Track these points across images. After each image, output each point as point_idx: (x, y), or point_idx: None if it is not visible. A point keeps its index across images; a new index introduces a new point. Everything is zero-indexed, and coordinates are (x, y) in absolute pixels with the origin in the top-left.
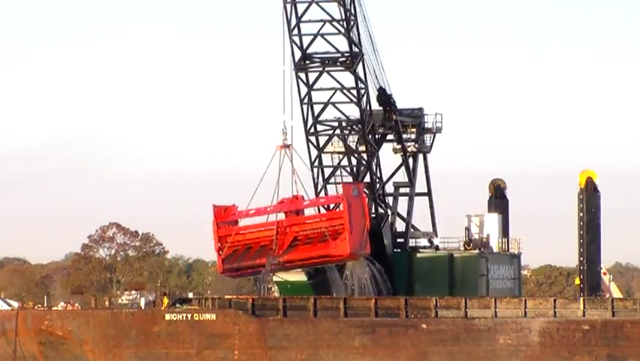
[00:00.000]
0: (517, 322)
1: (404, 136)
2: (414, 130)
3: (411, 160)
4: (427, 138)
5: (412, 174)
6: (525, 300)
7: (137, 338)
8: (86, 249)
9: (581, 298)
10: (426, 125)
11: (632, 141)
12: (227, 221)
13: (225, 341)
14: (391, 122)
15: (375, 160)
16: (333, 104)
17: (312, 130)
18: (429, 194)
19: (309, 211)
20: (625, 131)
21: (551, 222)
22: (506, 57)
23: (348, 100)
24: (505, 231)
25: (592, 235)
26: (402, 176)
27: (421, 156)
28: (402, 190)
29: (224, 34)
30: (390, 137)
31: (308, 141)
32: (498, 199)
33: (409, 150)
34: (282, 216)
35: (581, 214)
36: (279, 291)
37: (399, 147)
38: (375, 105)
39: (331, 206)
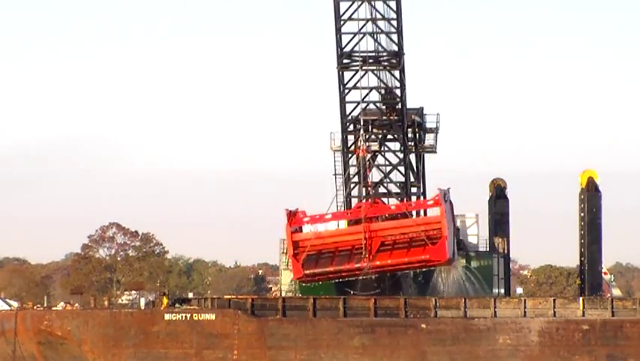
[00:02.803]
0: (517, 322)
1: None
2: (415, 130)
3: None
4: (428, 137)
5: (420, 174)
6: (525, 300)
7: (136, 337)
8: (86, 249)
9: (581, 298)
10: (425, 125)
11: (633, 141)
12: (297, 226)
13: (225, 340)
14: (394, 122)
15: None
16: (373, 103)
17: (350, 128)
18: (424, 194)
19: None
20: (626, 132)
21: (552, 222)
22: (506, 57)
23: (383, 99)
24: (505, 231)
25: (593, 235)
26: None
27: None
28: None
29: (223, 35)
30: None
31: (345, 139)
32: (498, 199)
33: (414, 150)
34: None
35: (582, 214)
36: (299, 291)
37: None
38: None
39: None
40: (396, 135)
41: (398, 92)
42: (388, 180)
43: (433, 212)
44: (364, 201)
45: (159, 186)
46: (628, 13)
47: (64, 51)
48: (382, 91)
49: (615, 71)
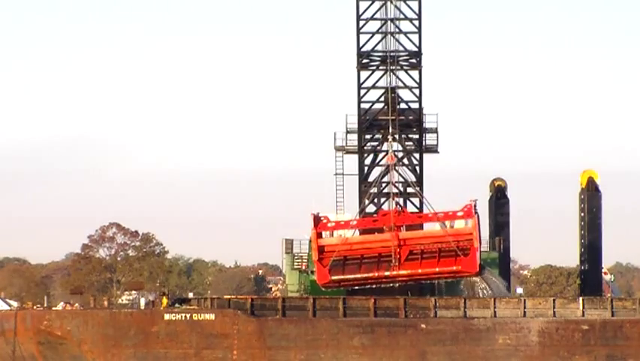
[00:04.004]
0: (517, 322)
1: (374, 136)
2: (415, 130)
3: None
4: (430, 137)
5: (420, 175)
6: (524, 300)
7: (135, 337)
8: (86, 249)
9: (580, 298)
10: (425, 125)
11: (633, 141)
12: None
13: (224, 340)
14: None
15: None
16: (392, 103)
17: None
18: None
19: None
20: (626, 131)
21: (552, 222)
22: (506, 57)
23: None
24: (505, 231)
25: (593, 235)
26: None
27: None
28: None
29: (223, 35)
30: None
31: (361, 139)
32: (498, 199)
33: (414, 149)
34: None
35: (582, 214)
36: (309, 290)
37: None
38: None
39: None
40: (407, 135)
41: (416, 92)
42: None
43: (459, 222)
44: (390, 208)
45: (159, 186)
46: (628, 13)
47: (65, 51)
48: (397, 91)
49: (615, 71)
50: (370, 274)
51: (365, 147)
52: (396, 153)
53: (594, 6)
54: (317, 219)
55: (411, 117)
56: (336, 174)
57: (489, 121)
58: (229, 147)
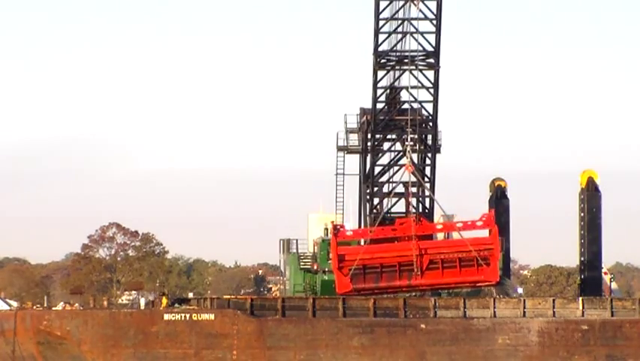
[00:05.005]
0: (516, 322)
1: (389, 136)
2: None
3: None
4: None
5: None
6: (524, 300)
7: (135, 338)
8: (86, 249)
9: (580, 298)
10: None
11: (633, 141)
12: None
13: (224, 341)
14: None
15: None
16: (408, 102)
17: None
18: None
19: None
20: (626, 131)
21: (551, 222)
22: (506, 57)
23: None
24: (505, 231)
25: (593, 235)
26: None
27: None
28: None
29: (221, 34)
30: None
31: (374, 138)
32: (498, 199)
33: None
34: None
35: (582, 214)
36: (319, 290)
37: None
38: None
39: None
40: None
41: (433, 91)
42: (393, 182)
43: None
44: (408, 217)
45: (159, 186)
46: (628, 13)
47: (64, 51)
48: (409, 90)
49: (615, 71)
50: (393, 284)
51: (378, 147)
52: (411, 158)
53: (594, 6)
54: (336, 228)
55: (419, 118)
56: (337, 173)
57: (489, 121)
58: (229, 147)
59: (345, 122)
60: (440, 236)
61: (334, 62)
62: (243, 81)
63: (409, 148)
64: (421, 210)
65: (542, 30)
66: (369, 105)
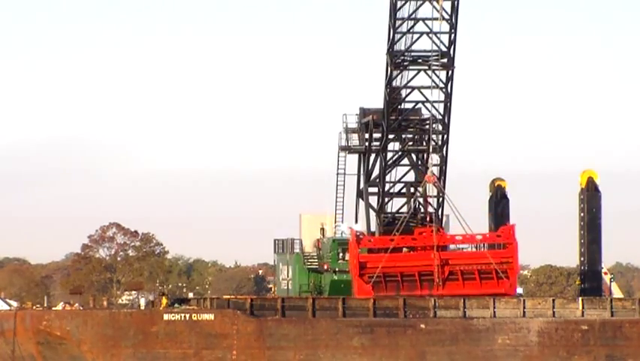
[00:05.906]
0: (516, 322)
1: (403, 136)
2: (413, 130)
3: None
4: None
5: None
6: (524, 300)
7: (135, 338)
8: (86, 249)
9: (580, 298)
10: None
11: (633, 141)
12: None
13: (224, 341)
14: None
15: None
16: (421, 102)
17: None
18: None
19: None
20: (626, 132)
21: (551, 222)
22: (506, 56)
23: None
24: None
25: (593, 235)
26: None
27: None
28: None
29: (220, 34)
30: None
31: (387, 139)
32: (498, 199)
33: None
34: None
35: (582, 214)
36: (328, 290)
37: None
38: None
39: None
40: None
41: (445, 91)
42: (394, 182)
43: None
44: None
45: (159, 186)
46: (628, 13)
47: (64, 51)
48: (421, 91)
49: (616, 71)
50: (414, 293)
51: (387, 147)
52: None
53: (594, 6)
54: (357, 237)
55: (433, 118)
56: (338, 173)
57: (489, 121)
58: (229, 147)
59: (345, 123)
60: (452, 246)
61: (334, 62)
62: (242, 81)
63: (431, 161)
64: (433, 218)
65: (542, 30)
66: (369, 105)
